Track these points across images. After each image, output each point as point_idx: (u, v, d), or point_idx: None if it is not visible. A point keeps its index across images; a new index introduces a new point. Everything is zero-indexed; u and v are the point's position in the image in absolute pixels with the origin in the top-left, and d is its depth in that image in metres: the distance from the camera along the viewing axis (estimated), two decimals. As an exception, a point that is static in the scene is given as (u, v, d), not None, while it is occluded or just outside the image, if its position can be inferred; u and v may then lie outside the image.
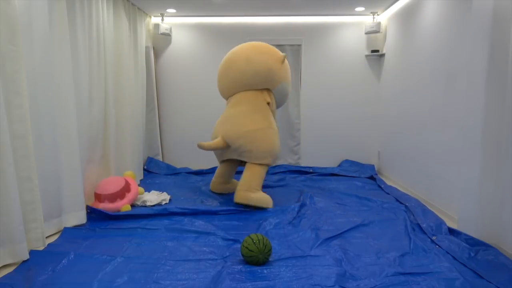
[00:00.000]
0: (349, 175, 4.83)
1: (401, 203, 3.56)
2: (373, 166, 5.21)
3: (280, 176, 4.79)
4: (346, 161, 5.36)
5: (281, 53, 3.66)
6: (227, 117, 3.59)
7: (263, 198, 3.42)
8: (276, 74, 3.57)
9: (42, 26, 2.68)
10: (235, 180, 4.10)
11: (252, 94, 3.60)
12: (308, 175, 4.91)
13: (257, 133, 3.41)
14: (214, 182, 4.02)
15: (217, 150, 3.56)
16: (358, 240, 2.75)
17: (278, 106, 3.89)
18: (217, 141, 3.44)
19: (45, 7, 2.70)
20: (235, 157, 3.57)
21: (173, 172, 5.01)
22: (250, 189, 3.39)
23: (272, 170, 5.01)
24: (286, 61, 3.74)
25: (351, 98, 5.32)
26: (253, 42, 3.77)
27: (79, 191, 3.08)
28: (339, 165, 5.37)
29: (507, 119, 2.44)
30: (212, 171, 5.05)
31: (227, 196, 3.89)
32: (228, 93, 3.78)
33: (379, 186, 4.26)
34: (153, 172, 4.98)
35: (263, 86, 3.60)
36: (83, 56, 3.25)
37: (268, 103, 3.62)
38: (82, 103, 3.25)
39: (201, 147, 3.44)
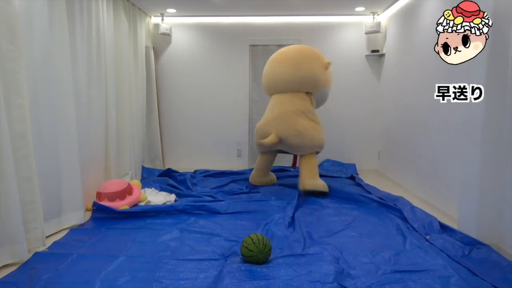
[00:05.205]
0: (330, 175, 4.77)
1: (388, 202, 3.54)
2: (354, 165, 5.21)
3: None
4: (327, 160, 5.35)
5: (326, 60, 3.98)
6: (279, 117, 3.94)
7: (324, 184, 3.91)
8: (320, 80, 3.98)
9: (42, 26, 2.68)
10: (272, 173, 4.51)
11: (299, 96, 4.00)
12: (291, 173, 4.88)
13: (310, 131, 3.91)
14: (254, 175, 4.40)
15: (270, 146, 3.97)
16: (352, 239, 2.78)
17: (317, 106, 4.26)
18: (272, 138, 3.84)
19: (45, 7, 2.70)
20: (288, 150, 4.09)
21: (166, 172, 4.82)
22: (315, 176, 3.93)
23: None
24: (330, 66, 4.03)
25: (351, 98, 5.32)
26: (300, 46, 4.22)
27: (79, 191, 3.09)
28: (320, 165, 5.32)
29: (507, 119, 2.44)
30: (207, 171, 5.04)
31: (229, 195, 3.89)
32: (273, 91, 4.15)
33: (360, 185, 4.26)
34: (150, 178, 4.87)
35: (308, 90, 4.02)
36: (83, 56, 3.26)
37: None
38: (82, 103, 3.25)
39: (261, 144, 3.96)
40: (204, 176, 4.88)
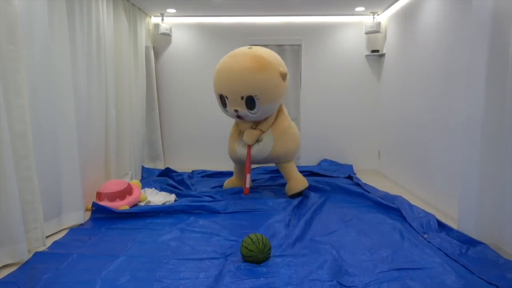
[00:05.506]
0: (328, 174, 4.77)
1: (386, 201, 3.56)
2: (351, 166, 5.22)
3: (264, 177, 4.75)
4: (325, 160, 5.36)
5: None
6: None
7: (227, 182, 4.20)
8: None
9: (42, 26, 2.68)
10: None
11: None
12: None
13: None
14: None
15: None
16: (350, 237, 2.80)
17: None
18: None
19: (45, 7, 2.70)
20: None
21: (165, 172, 4.83)
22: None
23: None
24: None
25: (351, 98, 5.32)
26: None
27: (79, 191, 3.09)
28: (318, 165, 5.37)
29: (507, 119, 2.44)
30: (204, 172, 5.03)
31: (230, 195, 3.90)
32: None
33: (358, 184, 4.26)
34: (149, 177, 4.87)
35: None
36: (83, 56, 3.26)
37: None
38: (82, 103, 3.25)
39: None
40: (202, 177, 4.88)
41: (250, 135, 3.77)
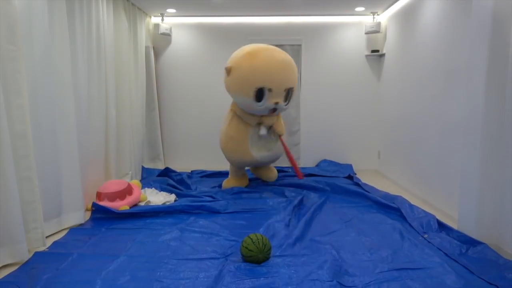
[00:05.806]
0: (328, 175, 4.75)
1: (386, 201, 3.55)
2: (351, 165, 5.22)
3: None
4: (324, 160, 5.36)
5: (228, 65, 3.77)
6: None
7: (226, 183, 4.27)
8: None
9: (42, 26, 2.68)
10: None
11: None
12: (289, 173, 4.83)
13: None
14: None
15: None
16: (350, 238, 2.80)
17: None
18: None
19: (45, 7, 2.70)
20: None
21: (165, 172, 4.84)
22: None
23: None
24: (232, 72, 3.70)
25: (351, 98, 5.32)
26: None
27: (79, 191, 3.09)
28: (317, 165, 5.37)
29: (507, 119, 2.44)
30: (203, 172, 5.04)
31: (230, 195, 3.90)
32: None
33: (358, 184, 4.26)
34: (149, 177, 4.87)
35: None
36: (83, 56, 3.26)
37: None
38: (82, 103, 3.26)
39: None
40: (201, 177, 4.88)
41: (281, 125, 3.99)
